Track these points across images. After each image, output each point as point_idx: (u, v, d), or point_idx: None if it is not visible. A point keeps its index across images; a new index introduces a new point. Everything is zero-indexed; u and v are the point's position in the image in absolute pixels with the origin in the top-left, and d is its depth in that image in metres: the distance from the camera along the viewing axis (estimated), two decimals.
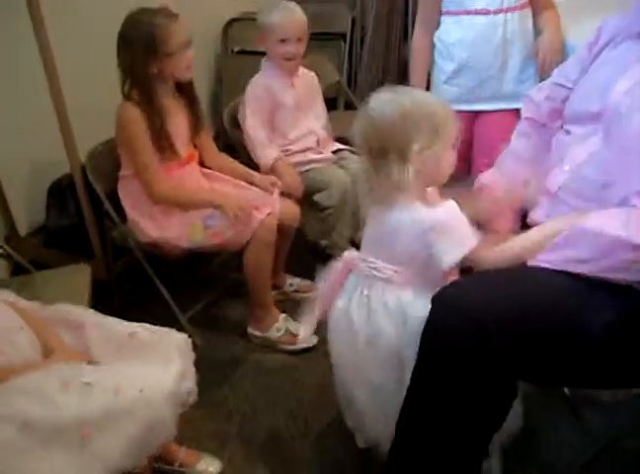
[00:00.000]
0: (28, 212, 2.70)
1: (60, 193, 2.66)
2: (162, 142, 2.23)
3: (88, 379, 1.40)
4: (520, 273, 1.43)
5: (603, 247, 1.32)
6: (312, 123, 2.76)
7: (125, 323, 1.65)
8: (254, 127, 2.57)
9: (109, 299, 2.44)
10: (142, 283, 2.44)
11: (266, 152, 2.57)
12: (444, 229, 1.48)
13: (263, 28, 2.58)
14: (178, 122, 2.31)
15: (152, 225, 2.27)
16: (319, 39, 3.99)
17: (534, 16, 2.43)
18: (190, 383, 1.57)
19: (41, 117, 2.40)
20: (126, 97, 2.22)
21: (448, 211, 1.50)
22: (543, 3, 2.43)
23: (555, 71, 1.85)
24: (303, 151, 2.71)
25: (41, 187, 2.68)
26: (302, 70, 2.74)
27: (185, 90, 2.35)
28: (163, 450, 1.69)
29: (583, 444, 1.91)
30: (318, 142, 2.76)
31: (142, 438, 1.41)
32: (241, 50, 3.73)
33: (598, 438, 1.91)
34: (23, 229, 2.68)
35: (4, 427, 1.32)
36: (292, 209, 2.46)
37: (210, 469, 1.85)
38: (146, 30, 2.14)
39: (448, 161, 1.54)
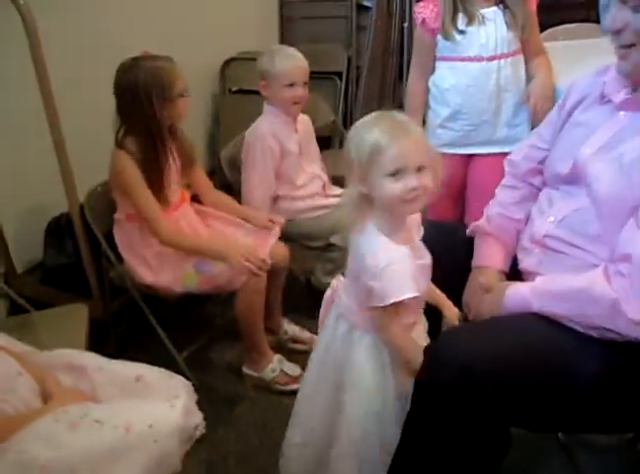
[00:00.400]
0: (25, 250, 2.72)
1: (58, 231, 2.68)
2: (156, 191, 2.23)
3: (97, 417, 1.42)
4: (511, 321, 1.46)
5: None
6: (315, 168, 2.78)
7: (129, 364, 1.66)
8: (257, 188, 2.61)
9: (105, 338, 2.45)
10: (138, 323, 2.45)
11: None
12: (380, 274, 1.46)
13: (267, 75, 2.59)
14: (169, 167, 2.31)
15: (146, 270, 2.28)
16: (315, 78, 4.05)
17: (526, 62, 2.47)
18: (196, 418, 1.58)
19: (40, 155, 2.43)
20: (119, 145, 2.21)
21: (393, 258, 1.46)
22: (534, 49, 2.47)
23: (531, 134, 1.89)
24: (311, 197, 2.73)
25: (39, 225, 2.70)
26: (300, 114, 2.77)
27: (171, 132, 2.33)
28: None
29: None
30: (324, 186, 2.78)
31: (151, 473, 1.43)
32: (238, 90, 3.77)
33: None
34: (20, 266, 2.69)
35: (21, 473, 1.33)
36: (282, 250, 2.47)
37: None
38: (155, 73, 2.14)
39: (388, 189, 1.45)
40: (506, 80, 2.40)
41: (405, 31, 4.59)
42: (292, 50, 2.64)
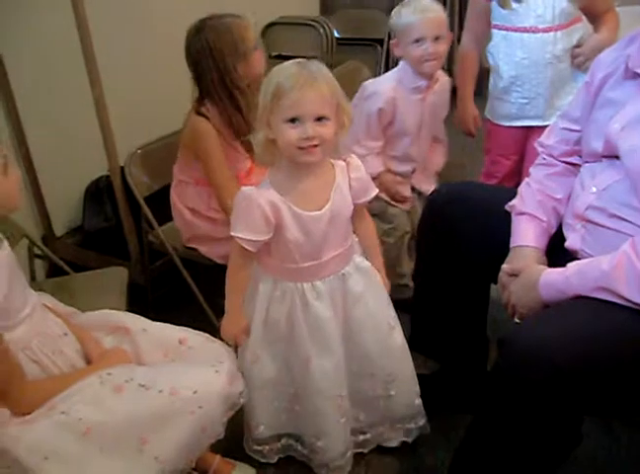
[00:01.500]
0: (64, 213, 2.72)
1: (97, 194, 2.68)
2: (240, 144, 2.17)
3: (143, 381, 1.42)
4: (579, 306, 1.40)
5: None
6: (423, 147, 2.51)
7: (171, 327, 1.66)
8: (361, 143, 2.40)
9: (143, 303, 2.43)
10: (177, 288, 2.44)
11: (371, 162, 2.37)
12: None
13: (394, 30, 2.33)
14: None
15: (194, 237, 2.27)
16: (357, 44, 4.02)
17: (593, 24, 2.38)
18: (241, 386, 1.58)
19: (81, 118, 2.42)
20: (199, 111, 2.13)
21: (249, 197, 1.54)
22: (600, 8, 2.37)
23: (558, 117, 1.82)
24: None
25: (79, 188, 2.70)
26: (442, 75, 2.44)
27: (253, 92, 2.15)
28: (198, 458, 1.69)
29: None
30: (413, 171, 2.55)
31: (195, 439, 1.45)
32: (278, 55, 3.73)
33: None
34: (59, 230, 2.69)
35: (65, 435, 1.34)
36: None
37: None
38: (226, 31, 2.07)
39: (285, 135, 1.46)
40: (562, 52, 2.33)
41: (447, 6, 4.52)
42: (426, 3, 2.26)
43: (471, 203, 1.82)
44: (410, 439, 1.93)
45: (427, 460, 1.92)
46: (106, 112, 2.26)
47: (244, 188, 1.55)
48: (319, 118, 1.45)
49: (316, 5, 4.33)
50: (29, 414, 1.36)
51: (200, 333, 1.67)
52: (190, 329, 1.67)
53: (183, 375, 1.48)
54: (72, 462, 1.33)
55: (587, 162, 1.66)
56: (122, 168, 2.32)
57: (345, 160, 1.62)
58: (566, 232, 1.65)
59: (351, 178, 1.61)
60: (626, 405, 1.41)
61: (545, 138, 1.82)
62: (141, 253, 2.47)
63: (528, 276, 1.54)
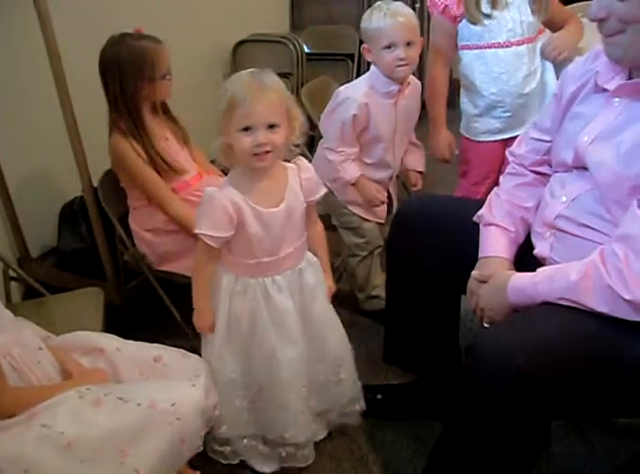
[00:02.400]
0: (39, 235, 2.72)
1: (72, 215, 2.68)
2: (158, 163, 2.22)
3: (121, 395, 1.44)
4: (547, 312, 1.43)
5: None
6: (397, 152, 2.53)
7: (146, 345, 1.68)
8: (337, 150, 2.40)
9: (119, 322, 2.43)
10: (153, 307, 2.45)
11: (348, 168, 2.40)
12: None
13: (365, 35, 2.32)
14: (168, 140, 2.31)
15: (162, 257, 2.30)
16: (327, 59, 4.06)
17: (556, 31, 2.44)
18: (215, 398, 1.61)
19: (54, 140, 2.43)
20: (114, 126, 2.21)
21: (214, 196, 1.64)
22: (561, 16, 2.44)
23: (530, 127, 1.85)
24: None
25: (53, 210, 2.70)
26: (412, 79, 2.44)
27: (162, 108, 2.34)
28: None
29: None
30: (390, 178, 2.58)
31: (175, 450, 1.47)
32: None
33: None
34: (35, 251, 2.70)
35: (46, 448, 1.35)
36: None
37: None
38: (137, 52, 2.15)
39: (240, 142, 1.57)
40: (536, 62, 2.39)
41: (416, 11, 4.57)
42: (396, 5, 2.26)
43: (439, 215, 1.87)
44: (355, 423, 2.03)
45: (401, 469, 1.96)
46: (77, 133, 2.28)
47: (208, 188, 1.67)
48: (270, 126, 1.57)
49: (286, 22, 4.38)
50: (8, 418, 1.38)
51: (175, 349, 1.69)
52: (164, 346, 1.69)
53: (160, 389, 1.51)
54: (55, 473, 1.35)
55: (557, 172, 1.69)
56: (96, 189, 2.33)
57: (295, 163, 1.74)
58: (535, 240, 1.68)
59: (302, 178, 1.73)
60: (592, 410, 1.44)
61: (516, 148, 1.85)
62: (117, 273, 2.48)
63: (497, 280, 1.58)
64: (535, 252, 1.65)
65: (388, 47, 2.21)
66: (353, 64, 4.11)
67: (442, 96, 2.59)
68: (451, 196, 2.60)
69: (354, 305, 2.66)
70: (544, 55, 2.40)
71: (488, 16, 2.35)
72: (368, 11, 2.29)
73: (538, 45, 2.42)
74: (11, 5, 2.30)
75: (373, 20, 2.23)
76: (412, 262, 1.88)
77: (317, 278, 1.82)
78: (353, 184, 2.41)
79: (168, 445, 1.46)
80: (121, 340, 1.69)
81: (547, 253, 1.60)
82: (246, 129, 1.56)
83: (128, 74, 2.15)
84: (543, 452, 1.48)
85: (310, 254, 1.83)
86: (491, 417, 1.37)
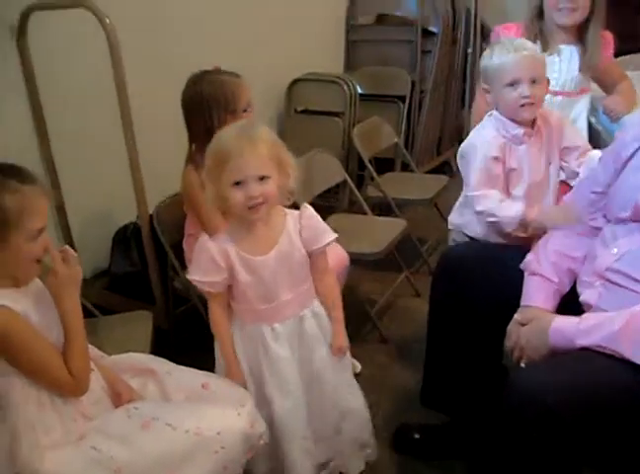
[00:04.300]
0: (92, 257, 2.81)
1: (124, 240, 2.77)
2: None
3: (169, 421, 1.49)
4: (584, 357, 1.46)
5: None
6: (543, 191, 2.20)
7: (195, 372, 1.73)
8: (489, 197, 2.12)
9: (166, 346, 2.50)
10: (199, 333, 2.50)
11: (511, 205, 2.08)
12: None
13: (485, 73, 2.14)
14: None
15: None
16: (379, 100, 4.14)
17: (608, 93, 2.48)
18: (261, 428, 1.64)
19: (114, 168, 2.53)
20: (191, 159, 2.26)
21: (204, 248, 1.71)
22: (612, 77, 2.49)
23: (585, 179, 1.89)
24: None
25: (107, 233, 2.79)
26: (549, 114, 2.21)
27: None
28: None
29: None
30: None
31: None
32: (304, 110, 3.85)
33: None
34: (87, 273, 2.78)
35: (92, 471, 1.42)
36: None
37: None
38: (219, 87, 2.20)
39: (232, 197, 1.61)
40: (566, 116, 2.40)
41: (469, 57, 4.65)
42: (520, 40, 2.12)
43: (485, 260, 1.90)
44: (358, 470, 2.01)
45: None
46: (138, 162, 2.37)
47: (201, 237, 1.74)
48: (261, 178, 1.61)
49: (341, 62, 4.46)
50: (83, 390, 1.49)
51: (223, 378, 1.74)
52: (212, 374, 1.74)
53: (207, 416, 1.55)
54: None
55: (609, 221, 1.72)
56: (151, 216, 2.42)
57: (300, 209, 1.76)
58: (581, 288, 1.71)
59: (302, 225, 1.74)
60: (618, 458, 1.47)
61: (569, 198, 1.89)
62: (165, 298, 2.54)
63: (540, 322, 1.61)
64: (581, 299, 1.67)
65: (511, 85, 2.03)
66: (403, 106, 4.17)
67: None
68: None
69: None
70: (612, 118, 2.42)
71: None
72: (488, 48, 2.14)
73: (578, 104, 2.45)
74: (84, 37, 2.41)
75: (495, 56, 2.06)
76: (456, 303, 1.91)
77: (319, 329, 1.81)
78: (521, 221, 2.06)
79: (211, 472, 1.51)
80: (172, 364, 1.74)
81: (594, 301, 1.62)
82: (237, 183, 1.60)
83: (212, 108, 2.18)
84: None
85: (317, 303, 1.82)
86: (520, 452, 1.41)
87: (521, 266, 1.82)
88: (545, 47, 2.41)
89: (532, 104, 2.03)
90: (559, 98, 2.42)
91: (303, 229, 1.74)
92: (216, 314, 1.77)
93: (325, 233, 1.78)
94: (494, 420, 1.48)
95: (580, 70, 2.40)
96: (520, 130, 2.09)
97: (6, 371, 1.40)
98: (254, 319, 1.76)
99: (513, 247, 2.00)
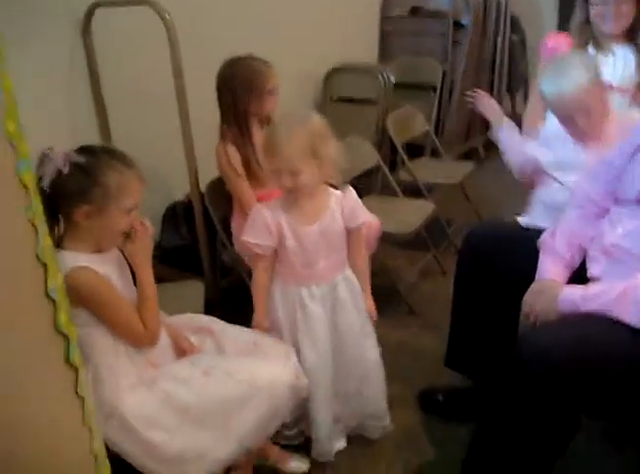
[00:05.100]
0: None
1: (174, 216, 3.01)
2: (255, 170, 2.49)
3: (227, 369, 1.74)
4: (587, 319, 1.69)
5: None
6: None
7: (247, 330, 1.97)
8: None
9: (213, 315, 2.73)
10: (244, 304, 2.72)
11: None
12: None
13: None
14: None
15: None
16: (412, 89, 4.31)
17: None
18: (304, 380, 1.88)
19: (167, 147, 2.76)
20: (222, 135, 2.52)
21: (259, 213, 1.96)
22: None
23: (599, 163, 2.02)
24: None
25: (158, 209, 3.03)
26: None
27: (268, 123, 2.58)
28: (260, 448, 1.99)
29: None
30: None
31: (268, 420, 1.77)
32: (339, 98, 4.03)
33: None
34: None
35: (167, 409, 1.66)
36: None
37: (303, 467, 2.12)
38: (248, 70, 2.47)
39: (277, 183, 1.89)
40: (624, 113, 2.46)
41: (498, 47, 4.81)
42: (562, 76, 2.12)
43: (505, 238, 2.13)
44: (374, 437, 2.25)
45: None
46: (191, 142, 2.60)
47: (257, 204, 2.03)
48: (294, 171, 1.83)
49: (375, 52, 4.64)
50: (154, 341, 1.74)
51: (270, 337, 1.97)
52: (261, 333, 1.97)
53: (259, 368, 1.80)
54: (169, 429, 1.66)
55: (617, 204, 1.92)
56: (202, 194, 2.65)
57: (342, 190, 2.00)
58: (589, 263, 1.91)
59: (343, 205, 1.99)
60: (616, 406, 1.71)
61: (588, 183, 2.05)
62: (214, 270, 2.78)
63: (551, 290, 1.82)
64: (588, 274, 1.88)
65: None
66: (434, 94, 4.34)
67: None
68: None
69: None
70: None
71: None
72: (544, 67, 2.33)
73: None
74: (143, 31, 2.64)
75: (544, 83, 2.18)
76: (479, 277, 2.15)
77: (350, 294, 2.05)
78: None
79: (263, 417, 1.75)
80: (226, 323, 1.98)
81: (599, 274, 1.83)
82: (277, 170, 1.85)
83: (240, 88, 2.46)
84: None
85: (349, 272, 2.07)
86: (527, 403, 1.62)
87: (538, 243, 2.03)
88: (599, 50, 2.54)
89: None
90: (613, 94, 2.44)
91: (344, 208, 1.99)
92: (258, 275, 2.03)
93: (362, 212, 2.03)
94: (504, 373, 1.69)
95: (636, 68, 2.49)
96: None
97: (88, 322, 1.63)
98: (295, 281, 2.01)
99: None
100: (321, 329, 2.01)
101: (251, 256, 2.10)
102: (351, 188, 2.03)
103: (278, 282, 2.04)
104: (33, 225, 1.15)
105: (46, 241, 1.19)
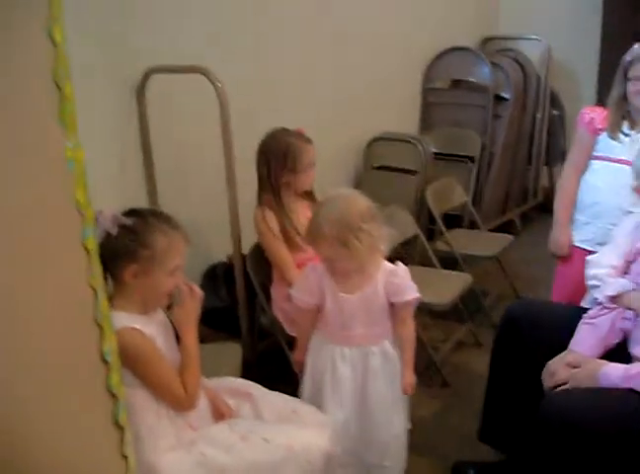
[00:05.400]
0: None
1: (214, 277, 3.05)
2: (291, 235, 2.55)
3: (264, 435, 1.75)
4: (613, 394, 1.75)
5: None
6: None
7: (286, 397, 1.99)
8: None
9: (250, 377, 2.74)
10: (281, 367, 2.72)
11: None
12: None
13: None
14: (304, 221, 2.56)
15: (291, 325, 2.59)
16: (451, 160, 4.38)
17: None
18: (339, 449, 1.90)
19: (211, 209, 2.82)
20: (258, 199, 2.61)
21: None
22: None
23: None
24: None
25: (199, 269, 3.08)
26: None
27: (307, 195, 2.68)
28: None
29: None
30: None
31: None
32: (380, 166, 4.07)
33: None
34: None
35: (200, 471, 1.69)
36: None
37: None
38: (283, 146, 2.54)
39: None
40: None
41: (537, 121, 4.87)
42: None
43: (541, 318, 2.18)
44: None
45: None
46: (236, 206, 2.66)
47: (311, 263, 2.15)
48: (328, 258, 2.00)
49: (416, 122, 4.70)
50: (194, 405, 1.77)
51: (309, 405, 2.00)
52: (300, 400, 2.01)
53: (297, 435, 1.82)
54: None
55: None
56: (244, 257, 2.70)
57: (393, 265, 2.08)
58: (632, 343, 1.93)
59: (387, 280, 2.05)
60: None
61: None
62: (252, 333, 2.81)
63: (590, 365, 1.86)
64: (632, 353, 1.89)
65: None
66: (473, 166, 4.39)
67: (571, 200, 2.77)
68: (552, 301, 2.79)
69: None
70: None
71: (627, 135, 2.60)
72: None
73: None
74: (195, 97, 2.74)
75: None
76: (517, 353, 2.17)
77: (384, 366, 2.08)
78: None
79: None
80: (265, 389, 2.01)
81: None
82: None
83: (275, 162, 2.55)
84: None
85: (388, 345, 2.10)
86: (547, 460, 1.72)
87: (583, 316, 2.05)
88: (633, 126, 2.59)
89: None
90: None
91: (388, 284, 2.04)
92: (303, 322, 2.19)
93: (408, 290, 2.06)
94: (529, 434, 1.76)
95: None
96: None
97: (133, 383, 1.67)
98: (329, 338, 2.11)
99: (571, 306, 2.23)
100: (348, 390, 2.06)
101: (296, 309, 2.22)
102: (401, 264, 2.09)
103: (316, 334, 2.15)
104: (93, 289, 1.21)
105: (104, 304, 1.24)
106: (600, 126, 2.66)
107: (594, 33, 4.85)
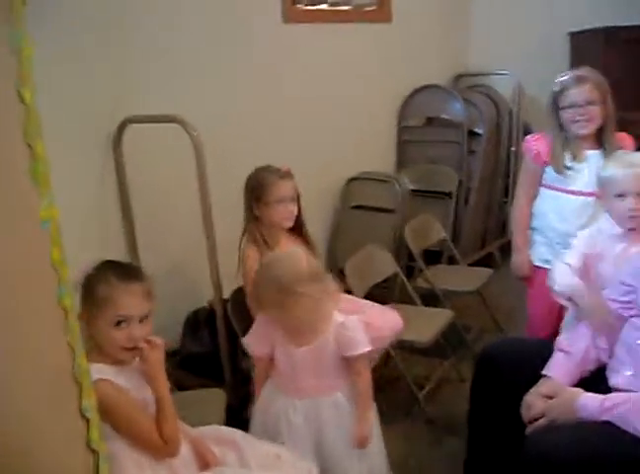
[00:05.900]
0: (164, 338, 3.08)
1: (196, 323, 3.06)
2: None
3: None
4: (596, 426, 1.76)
5: None
6: None
7: (269, 444, 1.99)
8: None
9: (234, 421, 2.74)
10: None
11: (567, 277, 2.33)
12: None
13: (599, 181, 2.38)
14: None
15: None
16: (428, 196, 4.42)
17: None
18: None
19: (191, 256, 2.86)
20: (244, 231, 2.64)
21: None
22: None
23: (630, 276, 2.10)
24: None
25: (179, 316, 3.08)
26: None
27: (295, 231, 2.69)
28: None
29: None
30: None
31: None
32: (358, 205, 4.11)
33: None
34: None
35: None
36: None
37: None
38: (256, 179, 2.60)
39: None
40: (598, 215, 2.56)
41: (511, 155, 4.94)
42: (635, 156, 2.35)
43: (517, 355, 2.20)
44: None
45: None
46: (215, 252, 2.69)
47: (261, 315, 2.17)
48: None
49: (393, 161, 4.76)
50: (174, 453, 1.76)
51: (292, 451, 1.99)
52: (284, 446, 2.00)
53: None
54: None
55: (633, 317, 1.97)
56: (225, 302, 2.71)
57: (343, 318, 2.10)
58: (609, 373, 1.96)
59: (338, 333, 2.07)
60: None
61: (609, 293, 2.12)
62: (235, 377, 2.81)
63: (566, 394, 1.89)
64: (611, 383, 1.92)
65: (619, 196, 2.24)
66: (450, 201, 4.45)
67: (527, 226, 2.91)
68: (526, 338, 2.86)
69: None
70: None
71: (569, 168, 2.70)
72: (606, 159, 2.49)
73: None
74: (171, 145, 2.78)
75: (609, 168, 2.31)
76: (495, 390, 2.19)
77: (336, 419, 2.10)
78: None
79: None
80: (249, 436, 2.00)
81: (622, 386, 1.87)
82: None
83: (247, 194, 2.62)
84: None
85: (341, 397, 2.12)
86: None
87: (556, 343, 2.10)
88: (574, 156, 2.69)
89: (638, 217, 2.22)
90: (591, 199, 2.63)
91: (340, 336, 2.07)
92: (258, 372, 2.26)
93: (359, 344, 2.07)
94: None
95: None
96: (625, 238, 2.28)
97: (111, 435, 1.67)
98: (281, 388, 2.16)
99: (544, 342, 2.27)
100: (303, 439, 2.09)
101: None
102: (353, 318, 2.11)
103: (270, 382, 2.21)
104: (70, 347, 1.21)
105: (82, 361, 1.24)
106: (545, 159, 2.77)
107: (563, 67, 4.94)
